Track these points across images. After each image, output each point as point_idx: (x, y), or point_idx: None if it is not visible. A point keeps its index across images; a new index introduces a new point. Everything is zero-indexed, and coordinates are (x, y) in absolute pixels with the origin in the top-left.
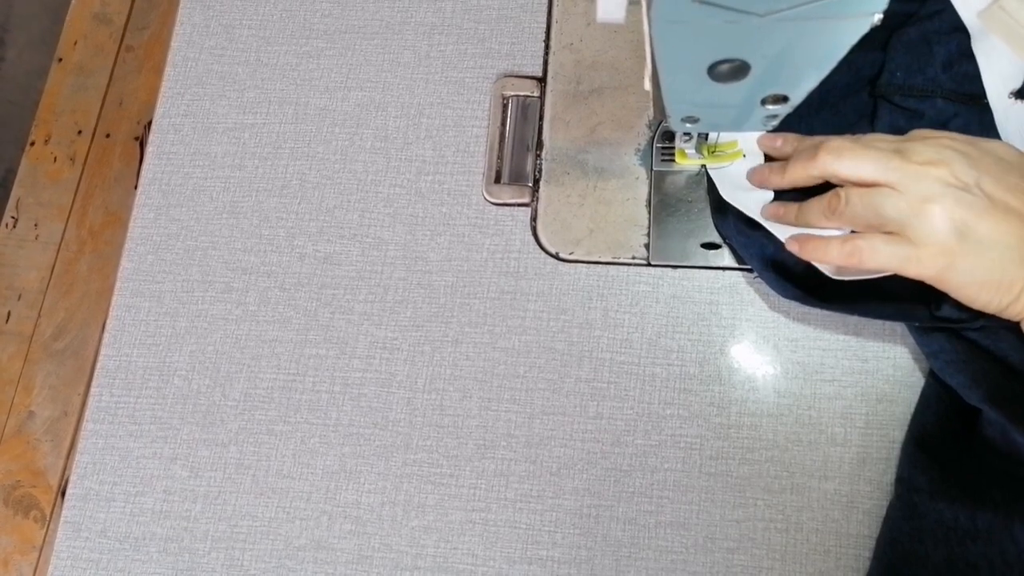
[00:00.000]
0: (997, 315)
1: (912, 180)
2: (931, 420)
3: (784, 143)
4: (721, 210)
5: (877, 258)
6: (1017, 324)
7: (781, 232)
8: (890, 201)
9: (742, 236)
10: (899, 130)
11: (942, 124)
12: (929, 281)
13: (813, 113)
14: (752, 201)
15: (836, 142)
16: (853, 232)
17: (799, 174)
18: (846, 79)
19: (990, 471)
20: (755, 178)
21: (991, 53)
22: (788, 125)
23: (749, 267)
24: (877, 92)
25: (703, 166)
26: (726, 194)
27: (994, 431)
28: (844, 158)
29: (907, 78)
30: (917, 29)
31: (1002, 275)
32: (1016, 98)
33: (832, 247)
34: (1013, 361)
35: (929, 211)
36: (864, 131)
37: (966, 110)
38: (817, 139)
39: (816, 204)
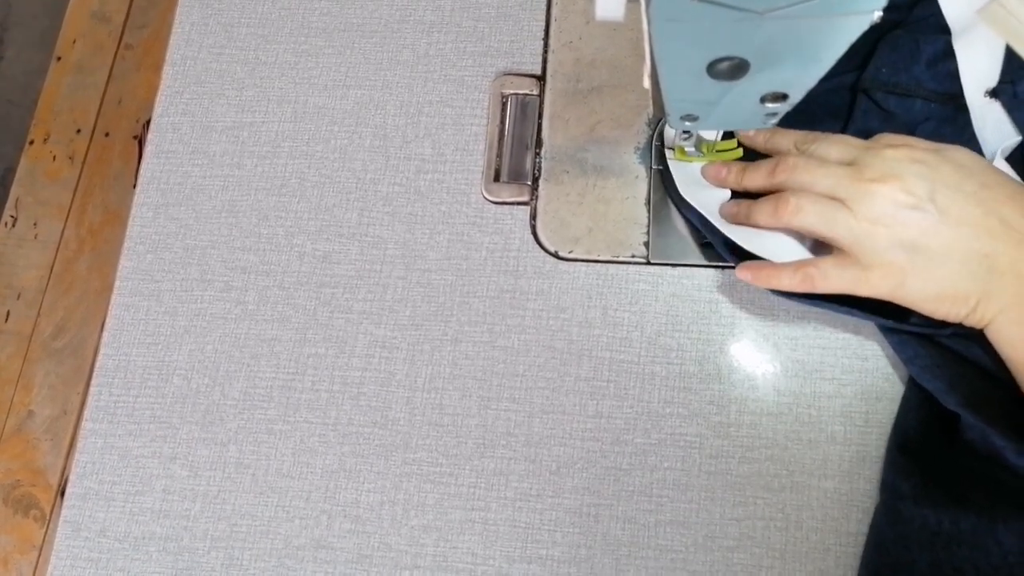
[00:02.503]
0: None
1: (862, 199)
2: (912, 425)
3: (759, 132)
4: (683, 202)
5: (828, 283)
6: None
7: (736, 235)
8: (840, 218)
9: (706, 228)
10: (870, 133)
11: (913, 127)
12: (884, 298)
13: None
14: (711, 200)
15: (792, 158)
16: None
17: (756, 183)
18: (831, 84)
19: (972, 474)
20: (711, 175)
21: (970, 50)
22: None
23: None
24: (860, 86)
25: (662, 160)
26: (684, 191)
27: (974, 434)
28: (800, 175)
29: (892, 75)
30: (907, 30)
31: (955, 288)
32: (991, 97)
33: (784, 275)
34: (987, 365)
35: (876, 233)
36: (834, 129)
37: (940, 112)
38: (786, 138)
39: (767, 206)
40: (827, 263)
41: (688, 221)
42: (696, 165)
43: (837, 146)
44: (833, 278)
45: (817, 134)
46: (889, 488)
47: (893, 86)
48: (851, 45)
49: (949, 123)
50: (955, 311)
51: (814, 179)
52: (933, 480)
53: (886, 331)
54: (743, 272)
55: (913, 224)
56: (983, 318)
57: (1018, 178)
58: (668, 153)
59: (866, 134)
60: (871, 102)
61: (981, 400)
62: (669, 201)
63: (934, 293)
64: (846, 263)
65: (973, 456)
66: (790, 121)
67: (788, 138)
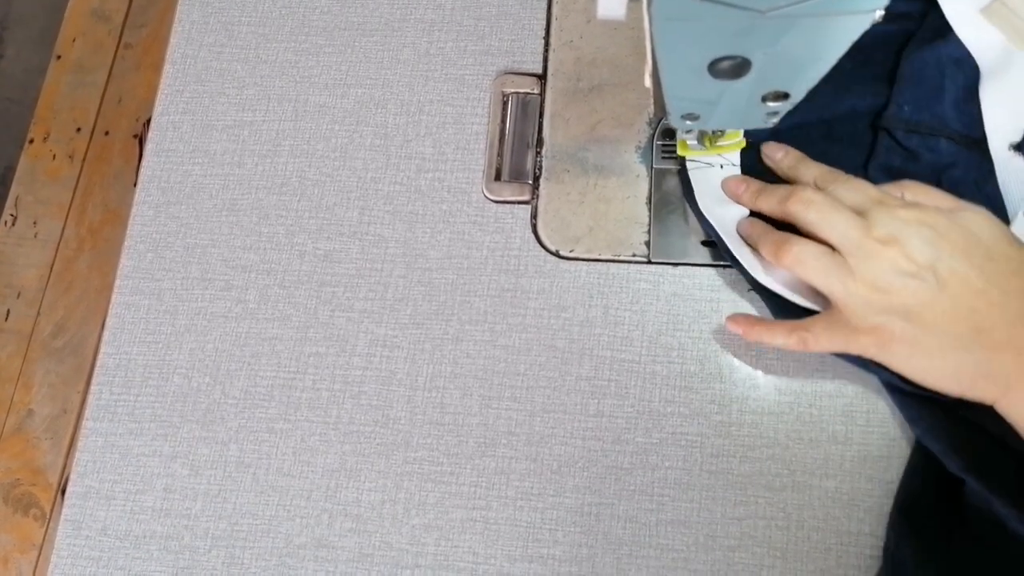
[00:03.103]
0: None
1: (863, 258)
2: (917, 486)
3: (785, 157)
4: (700, 214)
5: (820, 345)
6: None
7: (747, 260)
8: (838, 276)
9: (720, 245)
10: (892, 171)
11: (939, 170)
12: (874, 359)
13: (812, 139)
14: (727, 218)
15: (808, 194)
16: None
17: (768, 207)
18: (848, 106)
19: (977, 541)
20: (729, 187)
21: (996, 97)
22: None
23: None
24: (881, 124)
25: (682, 165)
26: (703, 204)
27: (978, 500)
28: (811, 213)
29: (915, 113)
30: (931, 56)
31: (946, 362)
32: (1016, 151)
33: (777, 335)
34: (991, 429)
35: (871, 297)
36: (855, 160)
37: (967, 156)
38: (809, 171)
39: (769, 244)
40: (819, 325)
41: (702, 225)
42: (717, 175)
43: (855, 192)
44: (824, 340)
45: (839, 173)
46: (890, 552)
47: (916, 125)
48: (873, 61)
49: (975, 169)
50: (949, 386)
51: (822, 222)
52: (936, 546)
53: (889, 388)
54: (734, 325)
55: (910, 292)
56: (985, 395)
57: None
58: (690, 164)
59: (888, 170)
60: (893, 140)
61: (986, 465)
62: (670, 201)
63: (925, 365)
64: (837, 323)
65: (978, 522)
66: (812, 144)
67: (811, 170)
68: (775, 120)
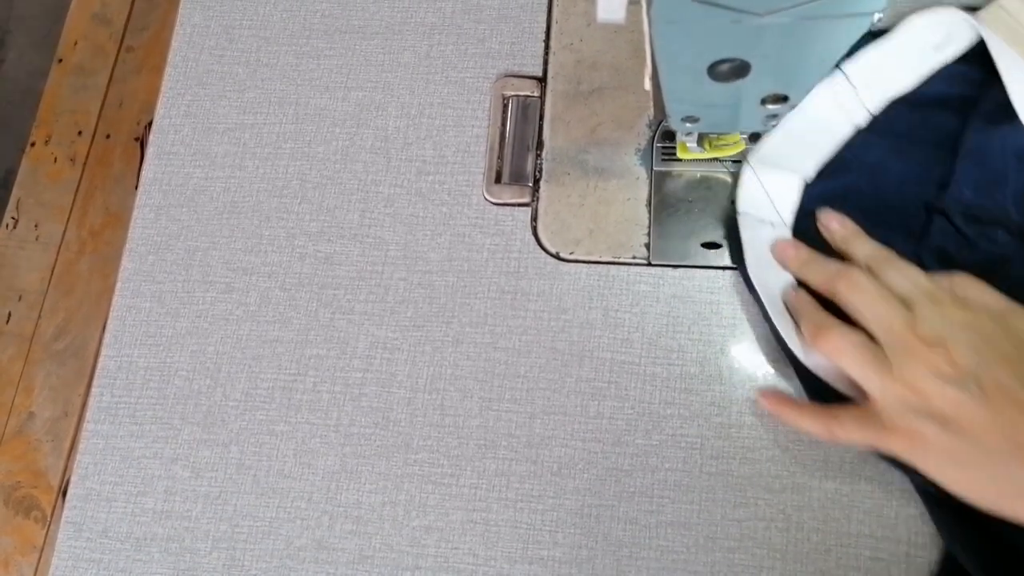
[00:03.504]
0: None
1: (904, 356)
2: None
3: (840, 228)
4: (747, 278)
5: (849, 437)
6: None
7: (788, 331)
8: (875, 372)
9: (763, 314)
10: (946, 256)
11: (994, 262)
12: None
13: (863, 204)
14: (773, 283)
15: (857, 277)
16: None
17: (815, 281)
18: (903, 172)
19: None
20: (778, 251)
21: None
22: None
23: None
24: (938, 206)
25: (732, 221)
26: (752, 268)
27: None
28: (855, 296)
29: (975, 198)
30: (996, 141)
31: (979, 474)
32: None
33: (804, 420)
34: None
35: (907, 397)
36: (904, 236)
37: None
38: (862, 248)
39: (811, 325)
40: (849, 418)
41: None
42: (768, 234)
43: (905, 280)
44: (853, 434)
45: (892, 256)
46: None
47: (976, 210)
48: (931, 124)
49: None
50: (984, 499)
51: (867, 310)
52: None
53: (922, 494)
54: (765, 400)
55: (949, 399)
56: (1021, 515)
57: None
58: (741, 220)
59: (941, 254)
60: (949, 224)
61: None
62: (670, 203)
63: (959, 476)
64: (870, 418)
65: None
66: (861, 210)
67: (864, 248)
68: (774, 123)
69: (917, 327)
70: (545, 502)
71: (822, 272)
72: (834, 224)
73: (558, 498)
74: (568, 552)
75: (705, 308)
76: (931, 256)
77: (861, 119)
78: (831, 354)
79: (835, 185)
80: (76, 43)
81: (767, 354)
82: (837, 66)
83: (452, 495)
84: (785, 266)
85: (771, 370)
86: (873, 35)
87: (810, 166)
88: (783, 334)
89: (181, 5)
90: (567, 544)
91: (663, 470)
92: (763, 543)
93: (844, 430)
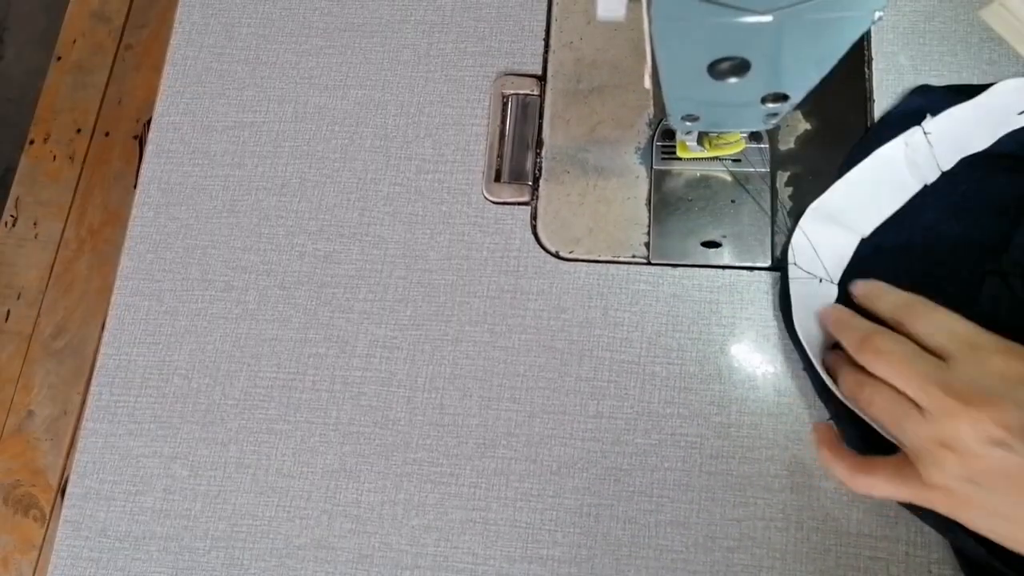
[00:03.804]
0: None
1: (941, 415)
2: None
3: (864, 287)
4: (793, 332)
5: (883, 492)
6: None
7: (833, 386)
8: (911, 427)
9: (808, 367)
10: (996, 320)
11: None
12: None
13: (912, 266)
14: (817, 336)
15: (879, 342)
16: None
17: (846, 346)
18: (958, 234)
19: None
20: (821, 316)
21: None
22: (888, 275)
23: (749, 266)
24: (995, 268)
25: (784, 276)
26: (797, 317)
27: None
28: (881, 363)
29: None
30: None
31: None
32: None
33: (840, 468)
34: None
35: (946, 457)
36: (954, 302)
37: None
38: (888, 300)
39: (848, 379)
40: (885, 473)
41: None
42: (816, 290)
43: (938, 331)
44: (888, 489)
45: (921, 304)
46: None
47: None
48: (991, 188)
49: None
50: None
51: (895, 377)
52: None
53: (958, 553)
54: (817, 434)
55: (995, 461)
56: None
57: None
58: (792, 272)
59: (992, 318)
60: (1005, 286)
61: None
62: (669, 202)
63: (1003, 531)
64: (907, 474)
65: None
66: (910, 271)
67: (889, 300)
68: (775, 121)
69: (955, 385)
70: (544, 501)
71: (852, 336)
72: (858, 288)
73: (557, 497)
74: (567, 551)
75: (704, 307)
76: (982, 322)
77: (932, 177)
78: (867, 410)
79: (887, 242)
80: (75, 41)
81: (767, 354)
82: (918, 122)
83: (451, 494)
84: (826, 329)
85: (770, 369)
86: (959, 92)
87: (870, 222)
88: (833, 388)
89: (180, 3)
90: (566, 543)
91: (662, 469)
92: (762, 542)
93: (877, 485)
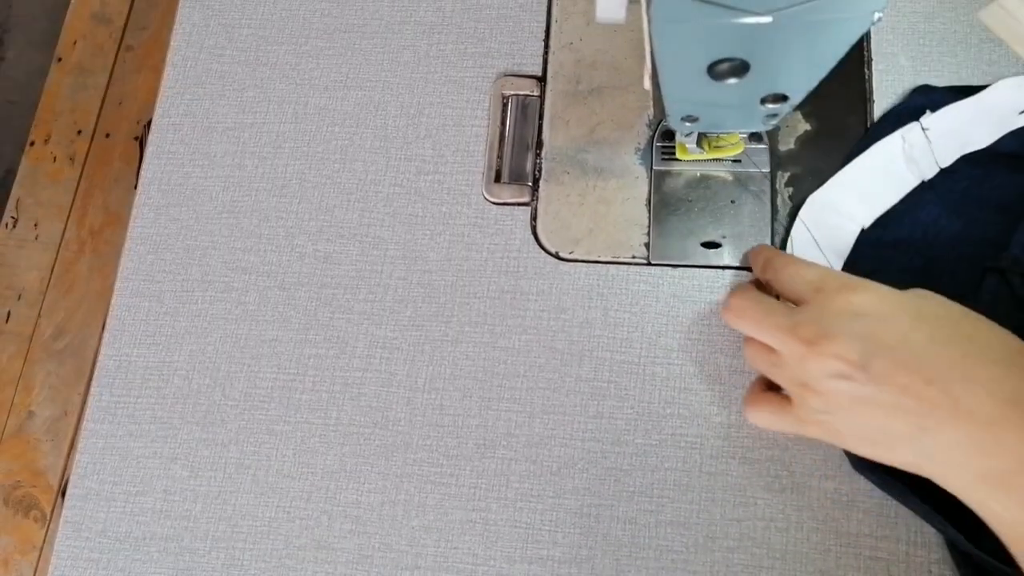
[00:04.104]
0: None
1: (793, 359)
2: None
3: (753, 263)
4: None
5: (774, 426)
6: None
7: None
8: (777, 373)
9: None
10: (995, 316)
11: None
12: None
13: (911, 262)
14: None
15: (735, 302)
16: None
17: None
18: (957, 231)
19: None
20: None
21: None
22: (888, 269)
23: (749, 267)
24: (995, 265)
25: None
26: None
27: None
28: (742, 321)
29: None
30: None
31: (890, 450)
32: None
33: (745, 400)
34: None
35: (806, 396)
36: (953, 297)
37: None
38: (758, 259)
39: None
40: (770, 407)
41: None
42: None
43: (791, 280)
44: (778, 425)
45: (776, 258)
46: None
47: None
48: (991, 183)
49: None
50: (908, 466)
51: (753, 331)
52: None
53: (951, 548)
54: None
55: (843, 394)
56: (933, 472)
57: None
58: None
59: (991, 315)
60: (1004, 284)
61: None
62: (669, 202)
63: (882, 455)
64: (787, 410)
65: None
66: (909, 269)
67: (756, 262)
68: (775, 122)
69: (800, 329)
70: (544, 502)
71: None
72: (755, 256)
73: (557, 498)
74: (567, 552)
75: (705, 307)
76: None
77: (930, 173)
78: (752, 366)
79: (887, 236)
80: (76, 42)
81: None
82: (916, 119)
83: (451, 495)
84: None
85: None
86: (960, 92)
87: (869, 212)
88: None
89: (180, 4)
90: (566, 544)
91: (662, 470)
92: (762, 543)
93: (766, 419)
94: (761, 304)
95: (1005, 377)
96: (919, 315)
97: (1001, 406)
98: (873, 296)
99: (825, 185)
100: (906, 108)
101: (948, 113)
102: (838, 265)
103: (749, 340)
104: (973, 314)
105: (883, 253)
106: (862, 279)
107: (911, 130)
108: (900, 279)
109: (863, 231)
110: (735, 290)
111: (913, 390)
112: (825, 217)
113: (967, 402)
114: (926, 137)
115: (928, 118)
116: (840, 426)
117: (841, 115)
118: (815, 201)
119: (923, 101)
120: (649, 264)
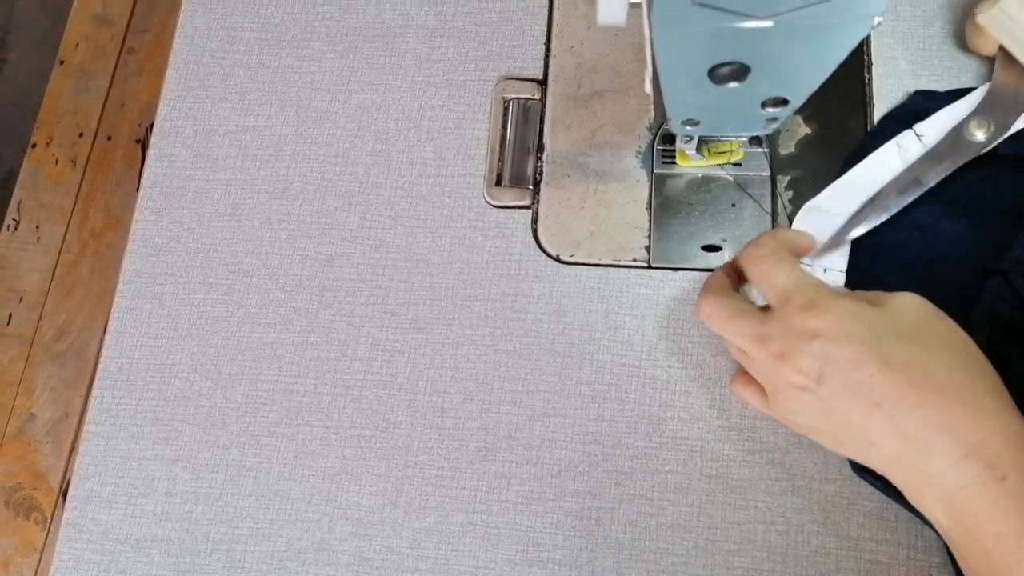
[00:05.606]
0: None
1: (761, 366)
2: None
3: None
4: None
5: (757, 408)
6: None
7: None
8: (752, 370)
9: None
10: (1000, 321)
11: None
12: None
13: (910, 262)
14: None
15: (704, 308)
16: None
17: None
18: (958, 232)
19: None
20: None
21: None
22: (888, 272)
23: None
24: (996, 267)
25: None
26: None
27: None
28: (712, 324)
29: None
30: None
31: (857, 455)
32: None
33: (734, 378)
34: None
35: (775, 399)
36: (956, 299)
37: None
38: (736, 259)
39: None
40: (756, 394)
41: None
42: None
43: (763, 285)
44: (758, 408)
45: (750, 259)
46: None
47: None
48: (994, 183)
49: None
50: (873, 464)
51: (724, 335)
52: None
53: (951, 552)
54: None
55: (803, 404)
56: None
57: None
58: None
59: (995, 319)
60: (1007, 286)
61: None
62: (670, 205)
63: (851, 453)
64: (765, 401)
65: None
66: (909, 269)
67: (733, 261)
68: (775, 126)
69: (767, 341)
70: (545, 504)
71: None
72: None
73: (558, 500)
74: (568, 554)
75: None
76: (983, 319)
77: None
78: (729, 350)
79: (885, 240)
80: (77, 45)
81: None
82: (910, 126)
83: (452, 497)
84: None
85: None
86: (960, 97)
87: (866, 221)
88: None
89: (183, 7)
90: (567, 546)
91: (663, 472)
92: (763, 546)
93: (746, 400)
94: (729, 308)
95: (947, 404)
96: (877, 338)
97: (934, 433)
98: (832, 318)
99: (819, 195)
100: (905, 113)
101: (941, 117)
102: (838, 265)
103: (726, 341)
104: (941, 334)
105: (882, 257)
106: (832, 295)
107: (905, 136)
108: (900, 282)
109: (861, 236)
110: (705, 289)
111: (859, 412)
112: (821, 223)
113: (904, 427)
114: (921, 143)
115: (919, 125)
116: (812, 427)
117: (841, 119)
118: (810, 209)
119: (923, 104)
120: (650, 267)
